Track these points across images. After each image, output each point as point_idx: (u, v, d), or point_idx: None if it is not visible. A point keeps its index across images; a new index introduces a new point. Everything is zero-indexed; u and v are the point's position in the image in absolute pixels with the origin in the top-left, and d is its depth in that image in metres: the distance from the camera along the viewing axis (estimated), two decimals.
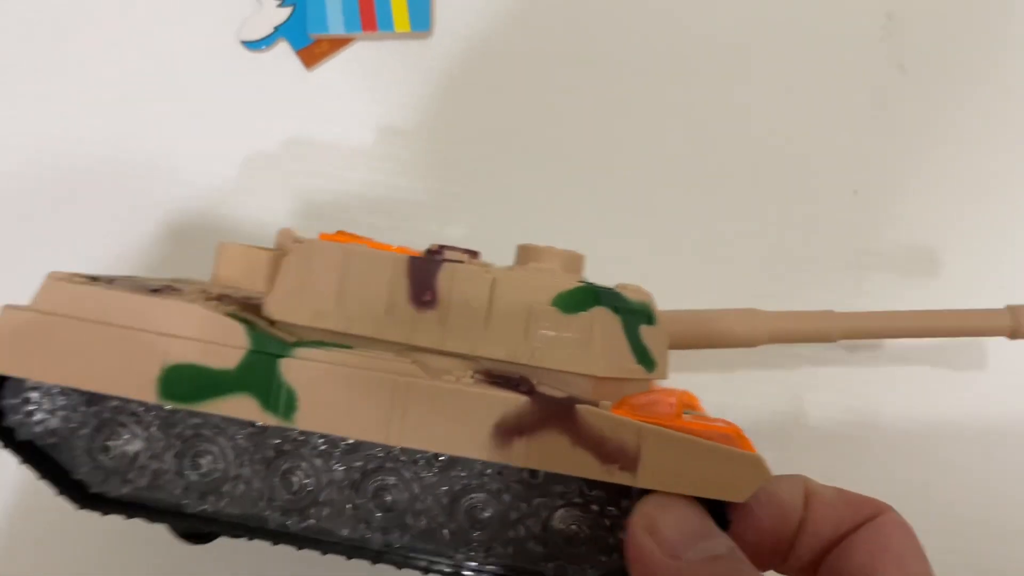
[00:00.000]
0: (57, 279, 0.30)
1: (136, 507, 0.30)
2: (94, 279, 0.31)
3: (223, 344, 0.29)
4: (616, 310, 0.31)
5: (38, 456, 0.31)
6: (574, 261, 0.35)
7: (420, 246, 0.34)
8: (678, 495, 0.27)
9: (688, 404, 0.34)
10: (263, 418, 0.28)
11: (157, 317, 0.29)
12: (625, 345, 0.31)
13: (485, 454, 0.28)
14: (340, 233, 0.36)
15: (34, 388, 0.31)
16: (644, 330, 0.33)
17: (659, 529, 0.27)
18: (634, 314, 0.32)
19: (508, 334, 0.30)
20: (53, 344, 0.29)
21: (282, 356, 0.28)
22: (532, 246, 0.35)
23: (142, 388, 0.29)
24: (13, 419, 0.31)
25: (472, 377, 0.29)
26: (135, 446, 0.31)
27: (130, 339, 0.29)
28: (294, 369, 0.28)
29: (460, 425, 0.28)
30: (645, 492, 0.28)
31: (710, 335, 0.35)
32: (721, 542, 0.27)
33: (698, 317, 0.35)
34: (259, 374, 0.28)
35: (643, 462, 0.27)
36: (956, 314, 0.35)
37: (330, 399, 0.28)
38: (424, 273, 0.30)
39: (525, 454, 0.28)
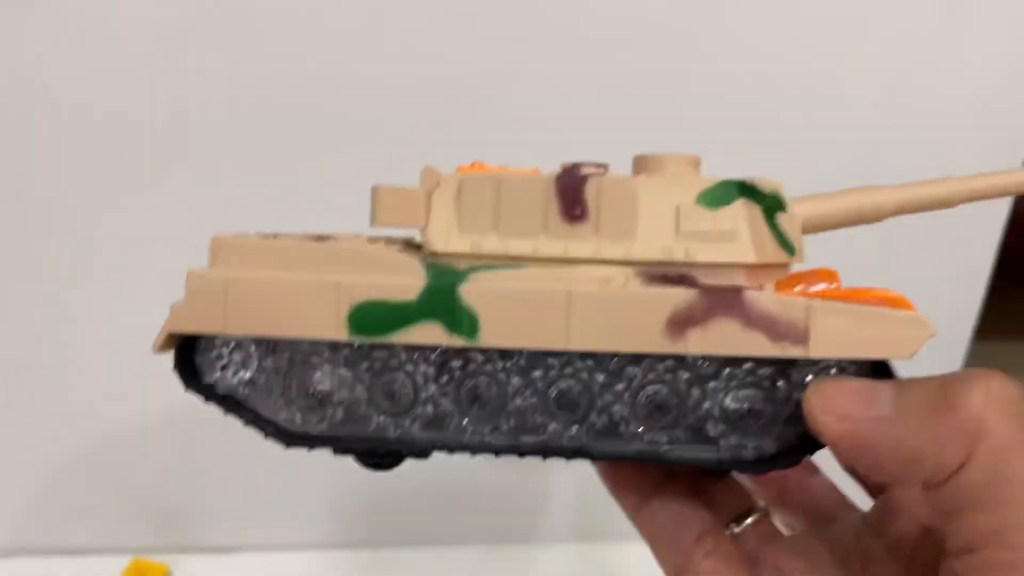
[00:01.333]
0: (228, 239, 0.32)
1: (337, 440, 0.33)
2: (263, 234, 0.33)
3: (403, 279, 0.31)
4: (755, 200, 0.33)
5: (240, 406, 0.33)
6: (693, 163, 0.36)
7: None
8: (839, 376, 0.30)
9: (831, 279, 0.36)
10: (450, 341, 0.30)
11: (337, 262, 0.31)
12: (768, 232, 0.33)
13: (662, 347, 0.30)
14: (476, 164, 0.37)
15: (225, 344, 0.33)
16: (780, 217, 0.34)
17: (834, 408, 0.29)
18: (770, 202, 0.34)
19: (660, 235, 0.32)
20: (242, 299, 0.31)
21: (459, 282, 0.30)
22: (649, 155, 0.37)
23: (333, 328, 0.31)
24: (212, 376, 0.33)
25: (637, 279, 0.31)
26: (327, 385, 0.33)
27: (314, 285, 0.31)
28: (472, 293, 0.30)
29: (635, 324, 0.30)
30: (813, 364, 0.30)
31: (838, 214, 0.36)
32: (885, 405, 0.29)
33: (823, 199, 0.37)
34: (440, 302, 0.30)
35: (813, 334, 0.29)
36: (991, 175, 0.36)
37: (509, 316, 0.30)
38: (571, 189, 0.32)
39: (701, 342, 0.30)
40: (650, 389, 0.32)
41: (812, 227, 0.37)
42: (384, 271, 0.31)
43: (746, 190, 0.33)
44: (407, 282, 0.31)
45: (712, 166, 0.38)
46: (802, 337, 0.29)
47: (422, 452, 0.33)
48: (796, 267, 0.37)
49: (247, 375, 0.33)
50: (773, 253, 0.33)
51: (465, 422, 0.33)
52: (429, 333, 0.31)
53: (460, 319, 0.30)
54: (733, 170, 0.42)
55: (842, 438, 0.28)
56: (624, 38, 0.61)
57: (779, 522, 0.39)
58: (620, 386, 0.32)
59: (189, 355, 0.33)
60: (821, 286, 0.31)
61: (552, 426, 0.33)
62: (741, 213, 0.32)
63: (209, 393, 0.33)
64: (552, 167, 0.36)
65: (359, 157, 0.59)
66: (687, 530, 0.35)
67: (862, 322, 0.29)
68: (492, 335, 0.30)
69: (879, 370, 0.30)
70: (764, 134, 0.62)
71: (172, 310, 0.31)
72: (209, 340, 0.33)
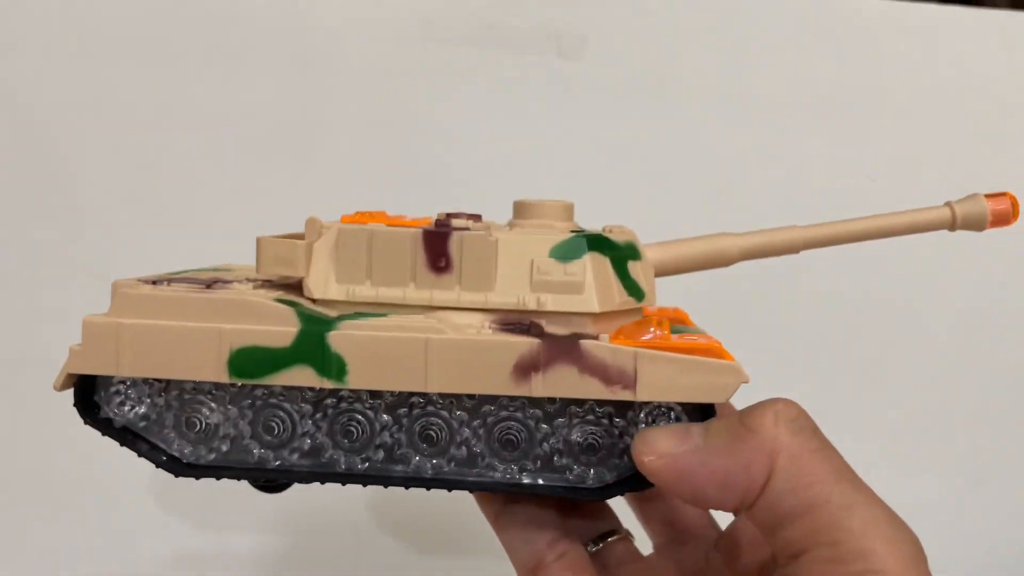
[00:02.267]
0: (125, 287, 0.35)
1: (223, 469, 0.36)
2: (154, 282, 0.36)
3: (277, 327, 0.34)
4: (604, 252, 0.36)
5: (134, 438, 0.36)
6: (566, 210, 0.40)
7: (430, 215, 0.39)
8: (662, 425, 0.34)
9: (679, 319, 0.40)
10: (320, 383, 0.34)
11: (218, 311, 0.34)
12: (615, 282, 0.36)
13: (508, 390, 0.33)
14: (359, 213, 0.41)
15: (122, 382, 0.36)
16: (632, 265, 0.38)
17: (653, 448, 0.32)
18: (621, 253, 0.37)
19: (515, 286, 0.35)
20: (133, 343, 0.34)
21: (328, 331, 0.34)
22: (526, 201, 0.40)
23: (214, 371, 0.34)
24: (108, 410, 0.36)
25: (489, 327, 0.34)
26: (215, 419, 0.36)
27: (198, 332, 0.34)
28: (340, 339, 0.34)
29: (484, 368, 0.33)
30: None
31: (691, 259, 0.40)
32: (695, 439, 0.32)
33: (676, 245, 0.40)
34: (311, 347, 0.34)
35: (640, 380, 0.33)
36: (905, 214, 0.40)
37: (374, 360, 0.34)
38: (437, 243, 0.35)
39: (542, 386, 0.33)
40: (503, 426, 0.36)
41: (665, 271, 0.40)
42: (261, 319, 0.34)
43: (596, 243, 0.36)
44: (281, 330, 0.34)
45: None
46: (631, 382, 0.33)
47: (302, 480, 0.36)
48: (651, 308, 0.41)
49: (142, 410, 0.36)
50: (620, 301, 0.37)
51: (339, 455, 0.36)
52: (302, 376, 0.34)
53: (329, 363, 0.34)
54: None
55: (660, 472, 0.32)
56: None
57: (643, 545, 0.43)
58: (476, 423, 0.36)
59: (89, 391, 0.36)
60: (651, 334, 0.35)
61: (416, 459, 0.36)
62: (589, 266, 0.35)
63: (106, 427, 0.36)
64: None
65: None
66: (541, 534, 0.39)
67: (683, 370, 0.33)
68: (359, 378, 0.34)
69: (706, 412, 0.34)
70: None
71: (71, 352, 0.34)
72: (107, 379, 0.36)
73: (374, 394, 0.36)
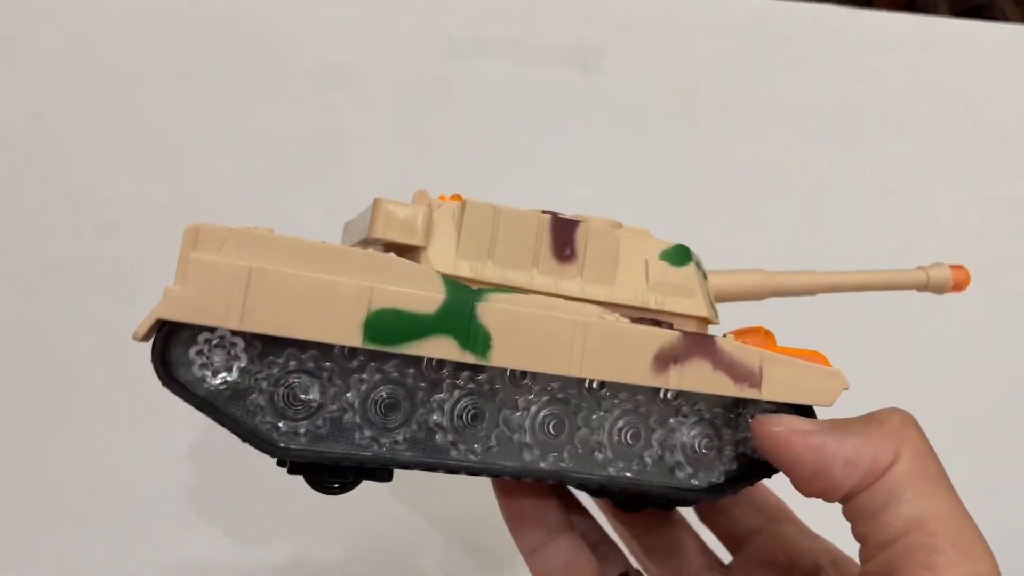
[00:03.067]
0: (217, 228, 0.30)
1: (319, 452, 0.31)
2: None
3: (424, 291, 0.31)
4: (698, 265, 0.38)
5: (214, 409, 0.30)
6: (614, 227, 0.41)
7: None
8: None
9: (769, 335, 0.42)
10: (461, 356, 0.31)
11: (359, 265, 0.30)
12: (707, 294, 0.38)
13: (648, 379, 0.33)
14: (455, 196, 0.39)
15: (207, 341, 0.30)
16: (707, 284, 0.40)
17: (781, 421, 0.34)
18: (702, 271, 0.39)
19: (634, 283, 0.36)
20: (263, 292, 0.29)
21: (478, 301, 0.31)
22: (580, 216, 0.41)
23: (348, 334, 0.30)
24: (185, 375, 0.30)
25: (620, 318, 0.34)
26: (313, 395, 0.31)
27: (342, 286, 0.30)
28: (489, 312, 0.31)
29: (628, 356, 0.33)
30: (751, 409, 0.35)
31: (731, 291, 0.43)
32: (824, 424, 0.34)
33: (724, 276, 0.43)
34: (457, 318, 0.31)
35: (765, 380, 0.35)
36: (886, 272, 0.47)
37: (521, 338, 0.32)
38: (565, 231, 0.35)
39: (679, 378, 0.34)
40: (621, 422, 0.35)
41: (715, 297, 0.43)
42: (405, 280, 0.31)
43: (693, 255, 0.38)
44: (428, 295, 0.31)
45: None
46: (757, 381, 0.35)
47: (388, 473, 0.33)
48: (714, 328, 0.43)
49: (231, 377, 0.30)
50: (713, 311, 0.38)
51: (448, 440, 0.33)
52: (442, 347, 0.31)
53: (475, 336, 0.31)
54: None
55: (791, 440, 0.33)
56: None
57: None
58: (601, 414, 0.35)
59: (165, 351, 0.30)
60: (768, 342, 0.37)
61: (536, 450, 0.34)
62: (695, 273, 0.37)
63: (185, 393, 0.30)
64: None
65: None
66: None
67: (801, 373, 0.35)
68: (503, 355, 0.32)
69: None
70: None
71: (168, 293, 0.28)
72: (189, 337, 0.30)
73: (499, 378, 0.33)
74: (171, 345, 0.30)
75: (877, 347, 0.70)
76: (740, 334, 0.38)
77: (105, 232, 0.61)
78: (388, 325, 0.30)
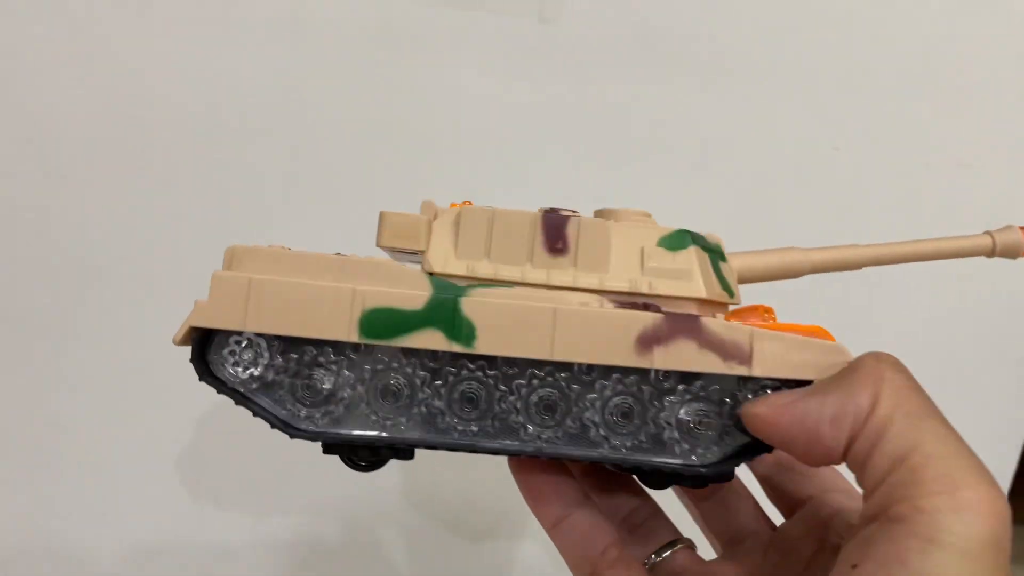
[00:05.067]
0: (246, 248, 0.36)
1: (338, 435, 0.36)
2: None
3: (411, 289, 0.35)
4: (704, 248, 0.39)
5: (245, 399, 0.36)
6: (645, 217, 0.43)
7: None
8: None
9: (768, 312, 0.42)
10: (449, 347, 0.35)
11: (353, 271, 0.35)
12: (714, 276, 0.39)
13: (630, 361, 0.35)
14: (466, 202, 0.43)
15: (237, 342, 0.36)
16: (722, 265, 0.40)
17: (765, 402, 0.35)
18: (714, 252, 0.40)
19: (628, 270, 0.37)
20: (263, 298, 0.34)
21: (461, 296, 0.35)
22: (609, 210, 0.43)
23: (345, 330, 0.35)
24: (221, 371, 0.36)
25: (608, 304, 0.36)
26: (329, 384, 0.36)
27: (332, 290, 0.35)
28: (471, 306, 0.35)
29: (609, 340, 0.35)
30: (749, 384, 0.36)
31: (764, 271, 0.43)
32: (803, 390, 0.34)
33: (751, 256, 0.44)
34: (443, 312, 0.35)
35: (755, 356, 0.35)
36: (952, 239, 0.45)
37: (503, 327, 0.35)
38: (556, 226, 0.37)
39: (663, 359, 0.35)
40: (618, 399, 0.37)
41: (742, 279, 0.43)
42: (395, 282, 0.35)
43: (697, 239, 0.39)
44: (415, 292, 0.35)
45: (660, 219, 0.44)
46: (746, 358, 0.35)
47: (409, 451, 0.37)
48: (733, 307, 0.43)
49: (257, 372, 0.36)
50: (718, 293, 0.39)
51: (454, 422, 0.37)
52: (431, 339, 0.35)
53: (460, 328, 0.35)
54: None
55: (773, 415, 0.34)
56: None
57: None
58: (592, 395, 0.37)
59: (203, 351, 0.36)
60: (759, 320, 0.37)
61: (530, 428, 0.37)
62: (694, 257, 0.38)
63: (221, 385, 0.36)
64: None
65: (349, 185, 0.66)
66: (596, 543, 0.40)
67: (794, 348, 0.35)
68: (487, 343, 0.35)
69: None
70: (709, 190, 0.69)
71: (196, 306, 0.34)
72: (222, 339, 0.36)
73: (492, 364, 0.37)
74: (209, 347, 0.36)
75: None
76: (737, 313, 0.39)
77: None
78: (381, 322, 0.35)
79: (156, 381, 0.66)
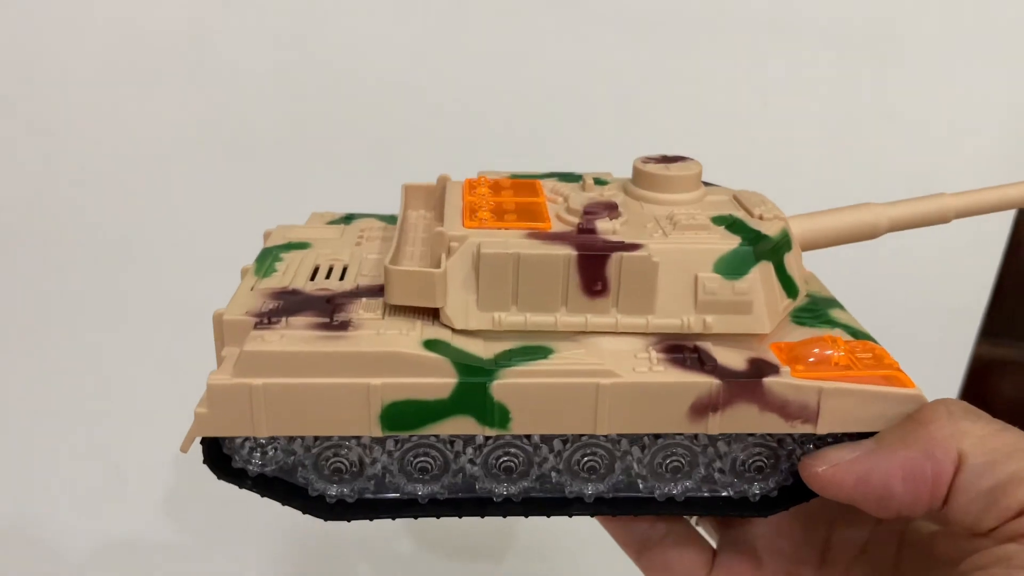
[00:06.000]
0: (249, 341, 0.31)
1: (370, 506, 0.34)
2: (270, 319, 0.32)
3: (433, 379, 0.31)
4: (769, 256, 0.33)
5: (270, 484, 0.34)
6: (695, 176, 0.36)
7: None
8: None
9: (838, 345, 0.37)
10: (482, 431, 0.31)
11: (363, 365, 0.30)
12: (778, 288, 0.34)
13: (683, 428, 0.32)
14: (481, 177, 0.37)
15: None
16: (787, 259, 0.35)
17: (825, 459, 0.32)
18: (780, 248, 0.34)
19: (678, 306, 0.32)
20: (269, 405, 0.31)
21: (490, 381, 0.31)
22: (652, 174, 0.36)
23: (366, 426, 0.31)
24: (240, 461, 0.33)
25: (655, 355, 0.32)
26: (354, 458, 0.34)
27: (344, 389, 0.31)
28: (503, 390, 0.31)
29: (659, 410, 0.31)
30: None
31: (838, 232, 0.37)
32: (868, 445, 0.32)
33: (821, 217, 0.37)
34: (472, 399, 0.31)
35: (822, 414, 0.32)
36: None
37: (540, 407, 0.31)
38: (594, 267, 0.32)
39: (719, 424, 0.32)
40: (666, 453, 0.34)
41: (809, 246, 0.38)
42: (413, 372, 0.31)
43: (763, 253, 0.33)
44: (438, 382, 0.31)
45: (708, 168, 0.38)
46: (812, 417, 0.32)
47: (456, 513, 0.35)
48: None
49: (279, 456, 0.33)
50: (783, 307, 0.34)
51: (494, 485, 0.34)
52: (462, 426, 0.31)
53: (492, 412, 0.31)
54: (730, 174, 0.42)
55: (835, 477, 0.31)
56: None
57: None
58: (641, 452, 0.34)
59: (217, 444, 0.33)
60: (827, 356, 0.33)
61: (575, 486, 0.35)
62: (758, 282, 0.32)
63: (242, 478, 0.33)
64: (553, 166, 0.36)
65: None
66: (696, 569, 0.39)
67: (867, 402, 0.32)
68: (524, 425, 0.32)
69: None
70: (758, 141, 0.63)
71: (197, 416, 0.31)
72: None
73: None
74: (223, 442, 0.33)
75: None
76: (805, 344, 0.34)
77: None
78: (405, 414, 0.31)
79: (139, 373, 0.64)
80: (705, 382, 0.31)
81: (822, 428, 0.32)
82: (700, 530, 0.41)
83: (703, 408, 0.31)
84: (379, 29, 0.59)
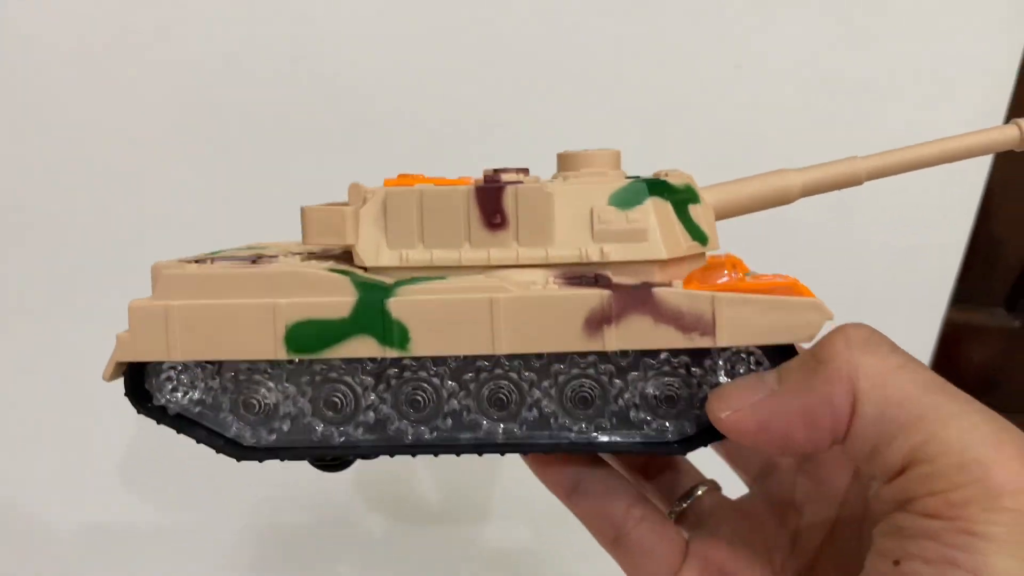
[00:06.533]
0: (168, 268, 0.33)
1: (286, 449, 0.35)
2: (196, 262, 0.35)
3: (334, 297, 0.32)
4: (665, 196, 0.35)
5: (190, 424, 0.35)
6: (613, 157, 0.38)
7: (473, 173, 0.37)
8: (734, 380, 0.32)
9: (736, 266, 0.38)
10: (383, 353, 0.32)
11: (271, 285, 0.33)
12: (679, 227, 0.35)
13: (580, 345, 0.32)
14: (401, 176, 0.39)
15: (172, 367, 0.35)
16: (693, 209, 0.36)
17: (727, 403, 0.31)
18: (681, 196, 0.36)
19: (576, 238, 0.34)
20: (184, 326, 0.33)
21: (387, 297, 0.32)
22: (571, 153, 0.39)
23: (271, 349, 0.32)
24: (161, 397, 0.35)
25: (554, 282, 0.33)
26: (273, 399, 0.35)
27: (251, 309, 0.32)
28: (400, 306, 0.32)
29: (554, 325, 0.32)
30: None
31: (751, 199, 0.38)
32: (769, 385, 0.31)
33: (734, 185, 0.39)
34: (371, 316, 0.32)
35: (719, 325, 0.31)
36: (970, 135, 0.38)
37: (437, 325, 0.32)
38: (491, 199, 0.34)
39: (616, 339, 0.32)
40: (575, 383, 0.34)
41: (724, 213, 0.39)
42: (316, 291, 0.32)
43: (656, 188, 0.34)
44: (339, 300, 0.32)
45: (631, 157, 0.40)
46: (709, 328, 0.31)
47: (367, 455, 0.35)
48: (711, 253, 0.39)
49: (196, 395, 0.35)
50: (686, 246, 0.35)
51: (405, 426, 0.35)
52: (363, 347, 0.32)
53: (391, 331, 0.32)
54: (652, 159, 0.44)
55: (739, 425, 0.31)
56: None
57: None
58: (547, 382, 0.34)
59: (139, 380, 0.34)
60: (725, 277, 0.33)
61: (486, 424, 0.35)
62: (652, 211, 0.34)
63: (161, 415, 0.35)
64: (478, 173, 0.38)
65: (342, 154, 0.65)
66: (617, 504, 0.37)
67: (764, 310, 0.31)
68: (423, 345, 0.32)
69: (789, 355, 0.32)
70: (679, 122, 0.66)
71: (118, 340, 0.33)
72: (157, 365, 0.35)
73: (438, 360, 0.34)
74: (144, 377, 0.35)
75: None
76: (702, 270, 0.34)
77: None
78: (307, 335, 0.32)
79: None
80: (596, 293, 0.32)
81: (721, 340, 0.31)
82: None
83: (598, 321, 0.32)
84: (377, 29, 0.64)
